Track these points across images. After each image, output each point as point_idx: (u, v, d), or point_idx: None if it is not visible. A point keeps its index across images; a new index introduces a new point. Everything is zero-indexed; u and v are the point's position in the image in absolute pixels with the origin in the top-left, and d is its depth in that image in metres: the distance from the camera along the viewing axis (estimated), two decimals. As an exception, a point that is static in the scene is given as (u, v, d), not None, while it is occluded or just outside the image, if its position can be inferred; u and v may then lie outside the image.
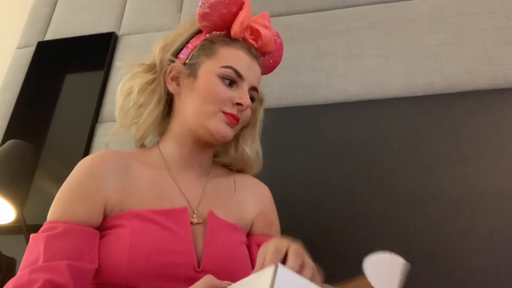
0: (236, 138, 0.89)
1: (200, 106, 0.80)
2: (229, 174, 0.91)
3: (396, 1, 1.37)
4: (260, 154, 0.92)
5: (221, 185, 0.87)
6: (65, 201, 0.72)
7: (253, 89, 0.84)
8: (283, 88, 1.32)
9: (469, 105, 1.16)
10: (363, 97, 1.25)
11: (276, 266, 0.39)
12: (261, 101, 0.92)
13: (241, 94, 0.80)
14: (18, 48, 1.68)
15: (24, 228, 1.18)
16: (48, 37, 1.67)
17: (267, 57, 0.92)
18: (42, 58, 1.60)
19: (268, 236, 0.84)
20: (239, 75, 0.81)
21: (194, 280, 0.57)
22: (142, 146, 0.91)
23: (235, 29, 0.83)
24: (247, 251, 0.80)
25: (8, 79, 1.59)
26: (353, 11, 1.40)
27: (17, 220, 1.20)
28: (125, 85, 0.87)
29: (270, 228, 0.86)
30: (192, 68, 0.83)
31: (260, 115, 0.92)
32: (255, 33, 0.86)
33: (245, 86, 0.81)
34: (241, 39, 0.84)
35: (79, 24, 1.67)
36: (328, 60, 1.34)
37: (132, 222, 0.70)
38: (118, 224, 0.71)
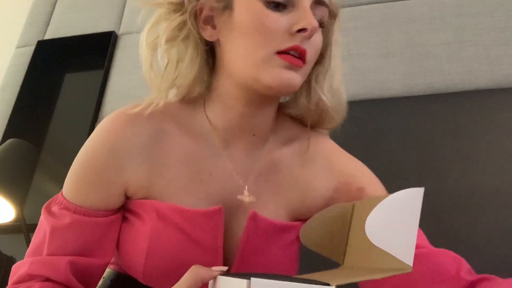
0: (308, 79, 0.63)
1: (246, 52, 0.56)
2: (294, 139, 0.67)
3: (396, 1, 1.37)
4: (343, 96, 0.68)
5: (281, 159, 0.65)
6: (79, 182, 0.59)
7: (319, 2, 0.58)
8: (283, 87, 1.32)
9: (468, 105, 1.16)
10: (363, 96, 1.25)
11: (249, 280, 0.37)
12: (334, 15, 0.65)
13: (301, 15, 0.55)
14: (17, 47, 1.67)
15: (24, 227, 1.18)
16: (48, 36, 1.67)
17: None
18: (41, 57, 1.60)
19: None
20: None
21: None
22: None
23: None
24: (294, 251, 0.64)
25: (8, 78, 1.59)
26: (353, 11, 1.40)
27: (16, 219, 1.20)
28: (150, 34, 0.62)
29: (360, 195, 0.63)
30: None
31: (335, 37, 0.67)
32: None
33: (303, 2, 0.56)
34: None
35: (79, 23, 1.67)
36: (328, 59, 1.34)
37: (152, 219, 0.58)
38: (139, 214, 0.60)
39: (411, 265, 0.40)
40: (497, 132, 1.11)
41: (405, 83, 1.24)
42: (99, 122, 1.50)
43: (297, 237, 0.63)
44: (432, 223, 1.05)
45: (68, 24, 1.68)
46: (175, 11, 0.60)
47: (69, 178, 0.60)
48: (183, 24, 0.60)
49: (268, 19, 0.55)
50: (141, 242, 0.58)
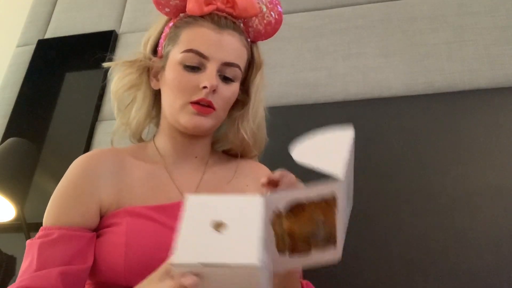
0: (233, 120, 0.83)
1: (170, 101, 0.76)
2: (230, 161, 0.86)
3: (396, 0, 1.37)
4: (261, 131, 0.86)
5: (220, 174, 0.82)
6: (59, 205, 0.70)
7: (227, 64, 0.75)
8: (283, 86, 1.32)
9: (469, 104, 1.16)
10: (363, 96, 1.25)
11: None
12: (258, 67, 0.83)
13: (205, 76, 0.73)
14: (18, 46, 1.67)
15: (24, 226, 1.18)
16: (48, 35, 1.66)
17: (257, 21, 0.81)
18: (42, 56, 1.60)
19: None
20: (202, 55, 0.73)
21: None
22: (140, 140, 0.88)
23: (190, 6, 0.75)
24: None
25: (8, 77, 1.59)
26: (354, 10, 1.39)
27: (17, 218, 1.20)
28: (114, 85, 0.83)
29: None
30: (164, 61, 0.78)
31: (256, 84, 0.82)
32: (230, 0, 0.77)
33: (210, 66, 0.73)
34: (206, 14, 0.76)
35: (79, 22, 1.66)
36: (328, 58, 1.33)
37: (126, 220, 0.68)
38: (113, 223, 0.69)
39: (342, 177, 0.49)
40: (497, 131, 1.11)
41: (405, 83, 1.24)
42: (100, 121, 1.51)
43: None
44: (432, 223, 1.05)
45: (69, 23, 1.68)
46: (135, 67, 0.81)
47: (51, 205, 0.71)
48: (138, 77, 0.81)
49: (183, 78, 0.74)
50: (119, 239, 0.66)
